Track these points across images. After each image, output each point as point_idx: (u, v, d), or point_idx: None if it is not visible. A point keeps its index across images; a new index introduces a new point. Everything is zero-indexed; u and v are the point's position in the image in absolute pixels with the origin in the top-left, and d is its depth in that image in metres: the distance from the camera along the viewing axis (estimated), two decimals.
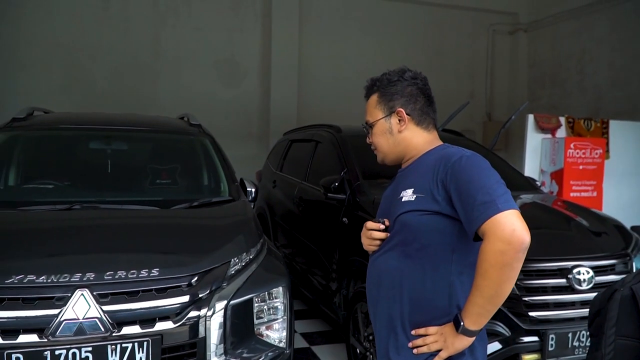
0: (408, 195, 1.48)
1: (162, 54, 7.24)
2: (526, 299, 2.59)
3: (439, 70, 8.27)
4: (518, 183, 4.00)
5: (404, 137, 1.58)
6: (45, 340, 1.92)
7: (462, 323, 1.38)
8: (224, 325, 2.21)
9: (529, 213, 3.58)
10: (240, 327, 2.31)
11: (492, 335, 2.49)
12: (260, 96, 7.78)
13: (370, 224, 1.59)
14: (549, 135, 5.50)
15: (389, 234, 1.54)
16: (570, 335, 2.60)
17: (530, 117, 5.38)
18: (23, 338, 1.93)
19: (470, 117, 8.59)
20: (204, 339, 2.16)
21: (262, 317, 2.41)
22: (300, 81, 7.69)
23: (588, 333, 1.58)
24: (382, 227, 1.56)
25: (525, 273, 2.65)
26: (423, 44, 8.42)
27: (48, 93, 6.48)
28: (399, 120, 1.58)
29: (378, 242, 1.57)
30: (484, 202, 1.31)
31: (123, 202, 2.89)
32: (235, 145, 5.95)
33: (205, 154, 3.68)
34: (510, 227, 1.28)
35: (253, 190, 3.41)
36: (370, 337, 2.91)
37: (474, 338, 1.43)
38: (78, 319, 1.97)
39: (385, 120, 1.59)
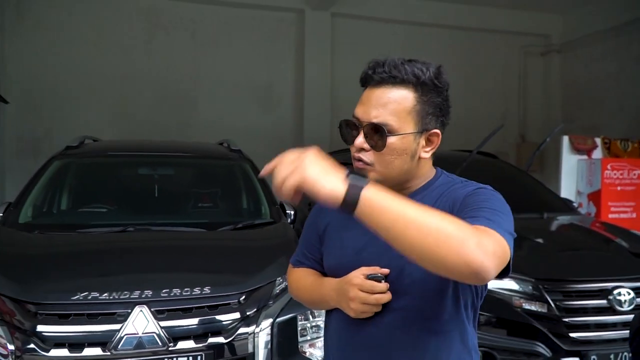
0: None
1: (201, 83, 7.52)
2: (567, 319, 2.61)
3: (470, 93, 8.33)
4: (555, 205, 4.01)
5: (420, 164, 1.20)
6: (108, 353, 2.06)
7: (363, 184, 0.97)
8: (270, 342, 2.31)
9: (567, 234, 3.60)
10: (285, 344, 2.41)
11: (533, 355, 2.52)
12: (294, 120, 7.97)
13: (371, 284, 1.13)
14: (585, 157, 5.48)
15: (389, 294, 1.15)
16: (612, 356, 2.60)
17: (565, 139, 5.39)
18: (88, 351, 2.07)
19: (503, 139, 8.57)
20: (252, 355, 2.26)
21: (305, 335, 2.50)
22: (332, 105, 7.85)
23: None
24: (385, 286, 1.15)
25: (566, 294, 2.68)
26: (454, 67, 8.50)
27: (97, 122, 6.81)
28: (427, 143, 1.18)
29: (379, 308, 1.15)
30: (487, 218, 1.02)
31: (171, 224, 3.05)
32: None
33: (245, 178, 3.84)
34: (496, 246, 0.96)
35: (292, 212, 3.54)
36: None
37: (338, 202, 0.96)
38: (138, 333, 2.10)
39: (415, 138, 1.15)
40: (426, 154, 1.18)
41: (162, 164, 3.84)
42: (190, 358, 2.14)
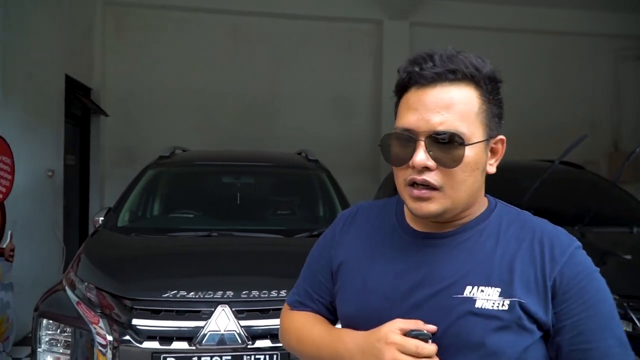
0: (489, 297, 0.87)
1: (280, 94, 7.80)
2: None
3: (556, 99, 7.98)
4: None
5: (483, 185, 0.97)
6: (194, 347, 2.24)
7: None
8: None
9: None
10: None
11: None
12: (370, 130, 8.04)
13: (415, 345, 0.84)
14: None
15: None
16: None
17: None
18: (176, 345, 2.26)
19: (595, 147, 8.11)
20: None
21: None
22: None
23: None
24: (434, 348, 0.86)
25: None
26: (537, 73, 8.19)
27: (186, 132, 7.27)
28: (491, 154, 0.96)
29: None
30: (622, 344, 0.88)
31: (252, 230, 3.24)
32: (347, 178, 6.23)
33: (322, 187, 3.97)
34: None
35: None
36: None
37: None
38: (220, 331, 2.27)
39: (486, 147, 0.92)
40: (491, 167, 0.95)
41: (244, 173, 4.07)
42: (267, 357, 2.28)
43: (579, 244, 0.92)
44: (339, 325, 1.05)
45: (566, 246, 0.90)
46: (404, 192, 0.92)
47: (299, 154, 4.54)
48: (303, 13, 7.64)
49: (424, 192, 0.89)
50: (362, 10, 7.76)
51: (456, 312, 0.87)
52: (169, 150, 4.19)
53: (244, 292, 2.38)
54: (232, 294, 2.36)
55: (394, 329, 0.86)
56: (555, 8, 7.88)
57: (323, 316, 1.08)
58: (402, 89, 0.94)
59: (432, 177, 0.88)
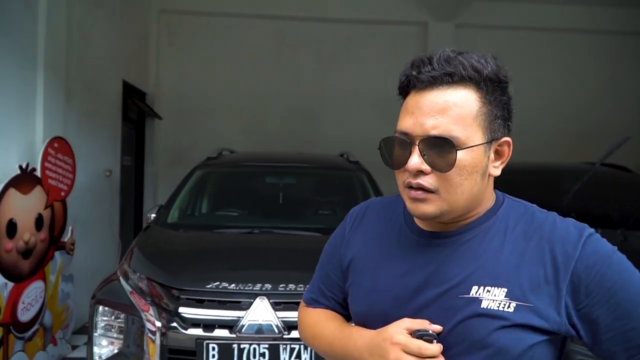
0: (495, 297, 0.88)
1: (326, 96, 7.93)
2: None
3: (611, 100, 7.73)
4: None
5: (489, 186, 0.96)
6: (234, 335, 2.40)
7: None
8: None
9: None
10: None
11: None
12: None
13: (419, 345, 0.87)
14: None
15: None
16: None
17: None
18: (218, 332, 2.43)
19: None
20: None
21: None
22: None
23: None
24: (439, 348, 0.88)
25: None
26: (593, 73, 7.94)
27: (233, 134, 7.54)
28: (496, 156, 0.95)
29: None
30: None
31: (292, 228, 3.38)
32: (388, 180, 6.31)
33: (362, 188, 4.06)
34: None
35: None
36: None
37: None
38: (258, 321, 2.42)
39: (485, 151, 0.91)
40: (496, 169, 0.94)
41: (287, 174, 4.22)
42: (302, 347, 2.40)
43: (591, 230, 0.90)
44: (352, 322, 1.08)
45: (576, 239, 0.88)
46: (403, 194, 0.95)
47: (341, 155, 4.65)
48: (347, 17, 7.75)
49: (420, 194, 0.90)
50: (407, 12, 7.79)
51: (462, 312, 0.88)
52: (216, 151, 4.41)
53: (281, 285, 2.51)
54: (270, 286, 2.51)
55: (400, 329, 0.89)
56: (602, 6, 7.65)
57: (337, 312, 1.11)
58: (403, 93, 0.97)
59: (426, 181, 0.89)
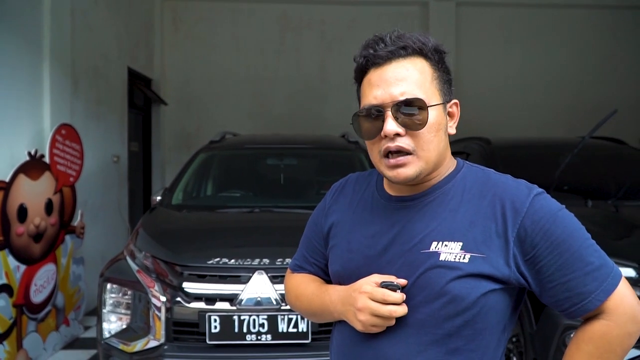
0: (452, 250, 0.97)
1: (328, 79, 7.99)
2: None
3: (611, 76, 7.69)
4: None
5: (448, 146, 1.08)
6: (234, 308, 2.52)
7: None
8: None
9: None
10: None
11: None
12: None
13: (383, 293, 0.98)
14: None
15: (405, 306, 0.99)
16: None
17: None
18: (219, 305, 2.55)
19: None
20: None
21: None
22: (458, 96, 7.81)
23: None
24: (401, 296, 0.98)
25: None
26: (592, 49, 7.90)
27: (237, 118, 7.65)
28: (450, 117, 1.08)
29: (392, 322, 0.99)
30: (599, 266, 0.94)
31: (292, 207, 3.49)
32: None
33: (361, 167, 4.15)
34: (634, 299, 0.95)
35: None
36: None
37: None
38: (257, 293, 2.54)
39: (444, 110, 1.04)
40: (451, 128, 1.07)
41: (287, 155, 4.32)
42: (298, 317, 2.52)
43: (540, 190, 1.00)
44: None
45: (525, 196, 0.98)
46: (380, 164, 1.03)
47: (343, 136, 4.73)
48: None
49: (400, 159, 0.99)
50: None
51: (423, 265, 0.99)
52: (219, 135, 4.51)
53: (278, 260, 2.63)
54: (268, 261, 2.62)
55: (369, 281, 1.01)
56: None
57: (319, 277, 1.24)
58: (361, 73, 1.07)
59: (404, 142, 0.99)
